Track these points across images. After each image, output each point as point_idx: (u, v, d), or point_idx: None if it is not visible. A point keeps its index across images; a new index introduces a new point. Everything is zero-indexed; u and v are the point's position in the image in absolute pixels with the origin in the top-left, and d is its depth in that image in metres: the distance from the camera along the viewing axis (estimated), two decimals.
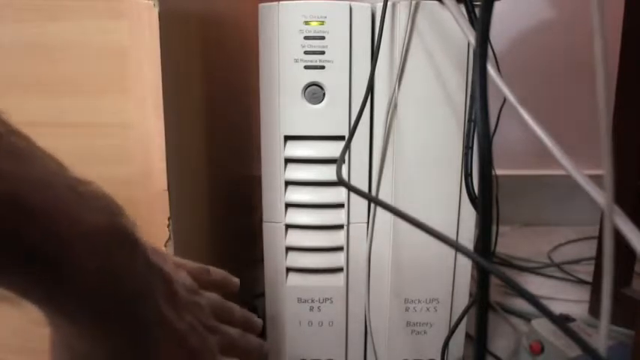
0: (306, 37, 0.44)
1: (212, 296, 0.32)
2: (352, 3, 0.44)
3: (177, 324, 0.26)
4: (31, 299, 0.21)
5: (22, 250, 0.19)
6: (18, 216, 0.18)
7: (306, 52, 0.44)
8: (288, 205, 0.47)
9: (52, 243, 0.19)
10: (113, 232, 0.22)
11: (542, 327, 0.52)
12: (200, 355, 0.27)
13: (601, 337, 0.23)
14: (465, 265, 0.48)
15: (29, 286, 0.20)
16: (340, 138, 0.46)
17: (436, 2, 0.43)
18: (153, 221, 0.37)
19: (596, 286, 0.68)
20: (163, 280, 0.26)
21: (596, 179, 0.26)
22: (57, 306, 0.21)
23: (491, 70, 0.33)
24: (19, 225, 0.19)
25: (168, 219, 0.38)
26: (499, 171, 0.50)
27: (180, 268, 0.31)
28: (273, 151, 0.46)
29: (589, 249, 0.83)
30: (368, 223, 0.48)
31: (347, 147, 0.44)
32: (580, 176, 0.27)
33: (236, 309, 0.34)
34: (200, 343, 0.27)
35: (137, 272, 0.23)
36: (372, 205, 0.47)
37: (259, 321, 0.36)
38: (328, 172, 0.46)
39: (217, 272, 0.35)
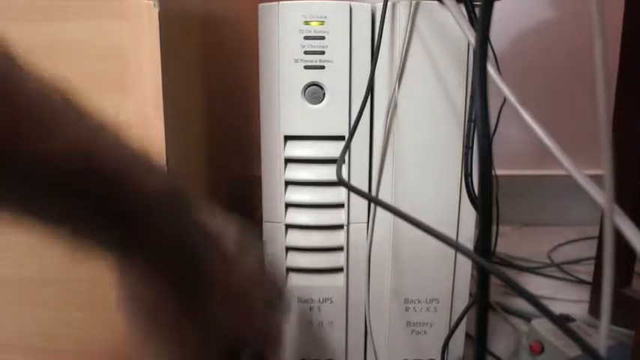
0: (306, 37, 0.44)
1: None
2: (352, 3, 0.44)
3: (226, 279, 0.29)
4: (108, 250, 0.25)
5: (101, 207, 0.23)
6: (98, 178, 0.23)
7: (306, 52, 0.44)
8: (288, 205, 0.47)
9: (124, 200, 0.24)
10: (172, 192, 0.26)
11: (542, 327, 0.52)
12: (246, 315, 0.30)
13: (601, 337, 0.23)
14: (465, 265, 0.48)
15: (106, 240, 0.24)
16: (340, 138, 0.46)
17: (436, 2, 0.43)
18: None
19: (596, 286, 0.68)
20: (214, 237, 0.29)
21: (596, 179, 0.26)
22: (128, 254, 0.25)
23: (491, 70, 0.33)
24: (98, 185, 0.22)
25: None
26: (499, 171, 0.50)
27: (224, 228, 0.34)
28: (273, 151, 0.46)
29: (589, 249, 0.83)
30: (368, 223, 0.48)
31: (347, 147, 0.44)
32: (580, 176, 0.27)
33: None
34: (242, 300, 0.30)
35: (192, 227, 0.27)
36: (372, 205, 0.47)
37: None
38: (328, 172, 0.46)
39: None
